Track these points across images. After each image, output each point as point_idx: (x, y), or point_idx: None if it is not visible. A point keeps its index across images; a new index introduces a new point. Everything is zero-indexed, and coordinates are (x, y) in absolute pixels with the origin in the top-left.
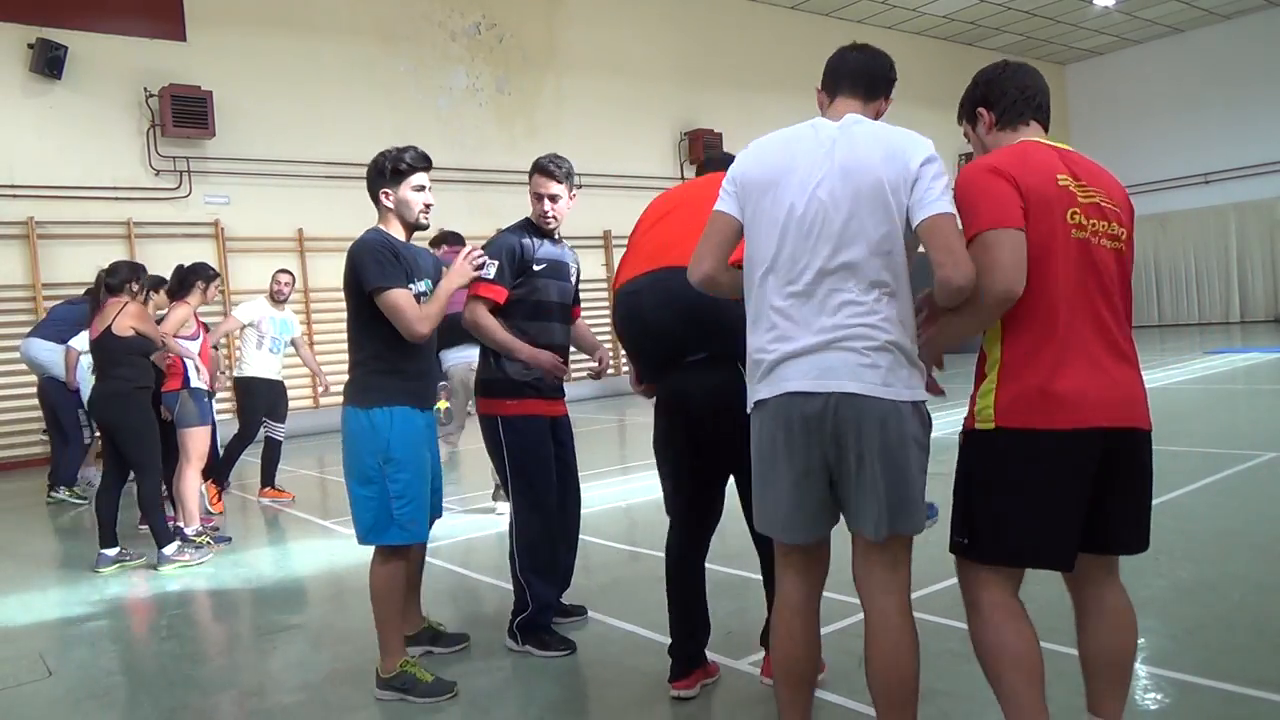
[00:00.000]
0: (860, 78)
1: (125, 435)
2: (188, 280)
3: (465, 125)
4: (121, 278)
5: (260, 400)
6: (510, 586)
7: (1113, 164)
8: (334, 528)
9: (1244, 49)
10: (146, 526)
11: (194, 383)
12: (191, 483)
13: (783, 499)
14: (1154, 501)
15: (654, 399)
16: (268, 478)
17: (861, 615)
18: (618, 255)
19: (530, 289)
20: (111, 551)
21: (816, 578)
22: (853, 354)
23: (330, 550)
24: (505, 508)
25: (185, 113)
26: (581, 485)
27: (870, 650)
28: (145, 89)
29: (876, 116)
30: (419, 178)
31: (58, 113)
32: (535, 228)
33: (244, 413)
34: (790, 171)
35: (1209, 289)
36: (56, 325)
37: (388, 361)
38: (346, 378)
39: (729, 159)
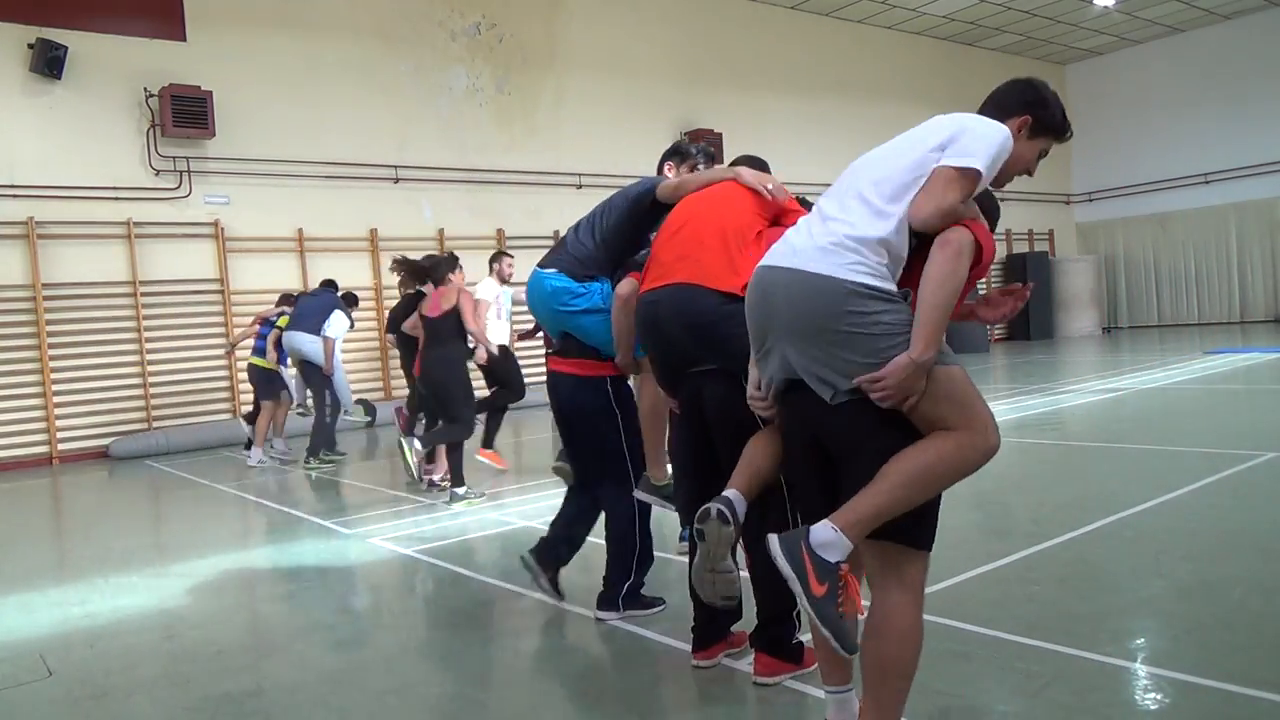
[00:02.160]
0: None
1: (447, 394)
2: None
3: (465, 125)
4: (443, 271)
5: (514, 362)
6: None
7: (1113, 164)
8: (335, 528)
9: (1244, 49)
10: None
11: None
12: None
13: None
14: (1154, 501)
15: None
16: (489, 440)
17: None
18: None
19: None
20: (461, 489)
21: None
22: None
23: (330, 551)
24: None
25: (185, 113)
26: None
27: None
28: (145, 89)
29: None
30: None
31: (58, 113)
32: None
33: (513, 372)
34: None
35: (1209, 289)
36: (310, 318)
37: None
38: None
39: (747, 158)
